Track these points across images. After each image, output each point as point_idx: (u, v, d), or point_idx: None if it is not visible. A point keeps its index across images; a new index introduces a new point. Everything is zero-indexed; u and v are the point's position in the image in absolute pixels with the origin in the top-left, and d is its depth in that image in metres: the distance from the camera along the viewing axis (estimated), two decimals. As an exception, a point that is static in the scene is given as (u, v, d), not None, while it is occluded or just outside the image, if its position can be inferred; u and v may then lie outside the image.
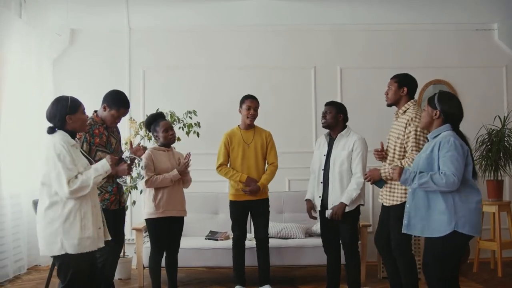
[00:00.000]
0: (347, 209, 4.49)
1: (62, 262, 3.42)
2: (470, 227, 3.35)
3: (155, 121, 4.76)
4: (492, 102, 6.67)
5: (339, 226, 4.60)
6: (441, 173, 3.34)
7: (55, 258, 3.46)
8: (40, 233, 3.43)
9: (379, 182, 4.16)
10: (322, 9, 6.65)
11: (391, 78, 4.31)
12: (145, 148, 4.47)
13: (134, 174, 4.15)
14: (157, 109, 6.03)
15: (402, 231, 3.61)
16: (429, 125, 3.55)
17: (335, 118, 4.62)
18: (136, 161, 4.10)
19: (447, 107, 3.49)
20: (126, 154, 4.20)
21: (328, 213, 4.53)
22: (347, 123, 4.71)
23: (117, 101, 4.30)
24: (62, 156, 3.34)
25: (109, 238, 3.66)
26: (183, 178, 4.76)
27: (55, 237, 3.35)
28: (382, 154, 4.26)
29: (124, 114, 4.37)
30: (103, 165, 3.50)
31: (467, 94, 6.58)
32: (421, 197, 3.49)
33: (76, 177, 3.35)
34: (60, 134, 3.45)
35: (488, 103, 6.65)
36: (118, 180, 4.12)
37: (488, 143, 6.05)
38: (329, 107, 4.66)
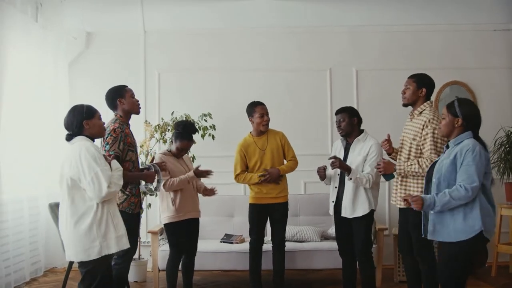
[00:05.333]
0: (360, 213, 4.48)
1: (96, 264, 3.43)
2: (491, 230, 3.36)
3: (184, 132, 4.74)
4: (510, 103, 6.57)
5: (352, 231, 4.58)
6: (460, 186, 3.33)
7: (84, 264, 3.45)
8: (74, 239, 3.41)
9: (389, 175, 4.17)
10: (338, 11, 6.62)
11: (409, 77, 4.26)
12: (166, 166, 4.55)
13: (155, 183, 4.27)
14: (172, 112, 6.07)
15: (428, 237, 3.58)
16: (450, 133, 3.51)
17: (350, 124, 4.59)
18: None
19: (469, 114, 3.45)
20: (151, 163, 4.36)
21: (330, 159, 4.50)
22: (363, 128, 4.66)
23: (119, 89, 4.28)
24: (98, 160, 3.40)
25: (128, 246, 3.67)
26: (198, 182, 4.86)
27: (93, 242, 3.39)
28: (388, 145, 4.30)
29: (132, 91, 4.33)
30: (122, 173, 3.60)
31: (485, 95, 6.51)
32: None
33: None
34: (84, 139, 3.52)
35: (506, 104, 6.55)
36: (143, 186, 4.21)
37: (507, 145, 5.96)
38: (342, 115, 4.61)
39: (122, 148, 4.05)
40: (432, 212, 3.52)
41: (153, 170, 4.22)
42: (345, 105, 4.79)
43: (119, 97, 4.23)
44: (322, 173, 4.66)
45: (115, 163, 3.63)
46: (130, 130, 4.28)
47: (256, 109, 4.97)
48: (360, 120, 4.66)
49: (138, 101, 4.36)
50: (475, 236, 3.32)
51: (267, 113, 5.00)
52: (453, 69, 6.58)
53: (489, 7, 6.58)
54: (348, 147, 4.64)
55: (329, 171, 4.70)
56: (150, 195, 4.40)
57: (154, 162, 4.60)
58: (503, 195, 5.89)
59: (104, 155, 3.70)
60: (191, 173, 4.67)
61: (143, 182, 4.25)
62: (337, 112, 4.68)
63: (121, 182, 3.54)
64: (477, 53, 6.65)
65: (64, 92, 6.35)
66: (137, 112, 4.36)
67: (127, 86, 4.34)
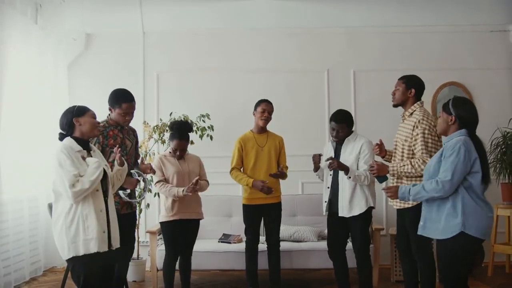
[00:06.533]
0: (357, 211, 4.50)
1: (74, 265, 3.50)
2: (476, 229, 3.35)
3: (177, 132, 4.79)
4: (507, 104, 6.59)
5: (351, 230, 4.61)
6: (435, 180, 3.41)
7: (68, 261, 3.55)
8: (55, 238, 3.54)
9: (382, 177, 4.20)
10: (337, 11, 6.64)
11: (399, 79, 4.32)
12: (152, 169, 4.55)
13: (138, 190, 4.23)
14: (170, 113, 6.10)
15: (418, 233, 3.65)
16: (445, 131, 3.56)
17: (347, 133, 4.63)
18: (140, 178, 4.24)
19: (462, 112, 3.49)
20: (135, 170, 4.29)
21: (327, 161, 4.52)
22: (360, 129, 4.70)
23: (116, 99, 4.28)
24: (62, 161, 3.42)
25: (118, 246, 3.70)
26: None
27: (63, 242, 3.46)
28: (379, 149, 4.36)
29: (130, 108, 4.29)
30: (98, 166, 3.49)
31: (482, 96, 6.53)
32: (433, 200, 3.52)
33: (77, 180, 3.40)
34: (65, 141, 3.55)
35: (503, 105, 6.57)
36: (120, 192, 4.13)
37: (503, 146, 5.98)
38: (341, 126, 4.57)
39: (101, 151, 4.05)
40: (423, 208, 3.60)
41: (136, 177, 4.21)
42: (342, 107, 4.82)
43: (112, 106, 4.24)
44: (317, 160, 4.70)
45: (89, 159, 3.55)
46: (118, 132, 4.29)
47: (261, 104, 5.06)
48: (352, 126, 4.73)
49: (131, 117, 4.32)
50: (457, 235, 3.36)
51: (269, 112, 5.04)
52: (451, 70, 6.60)
53: (488, 8, 6.59)
54: (339, 148, 4.68)
55: (323, 164, 4.73)
56: (136, 202, 4.37)
57: (152, 163, 4.63)
58: (499, 195, 5.92)
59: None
60: (180, 193, 4.62)
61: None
62: (338, 121, 4.59)
63: (94, 177, 3.41)
64: (475, 54, 6.67)
65: (63, 92, 6.39)
66: (122, 124, 4.32)
67: (127, 101, 4.24)
